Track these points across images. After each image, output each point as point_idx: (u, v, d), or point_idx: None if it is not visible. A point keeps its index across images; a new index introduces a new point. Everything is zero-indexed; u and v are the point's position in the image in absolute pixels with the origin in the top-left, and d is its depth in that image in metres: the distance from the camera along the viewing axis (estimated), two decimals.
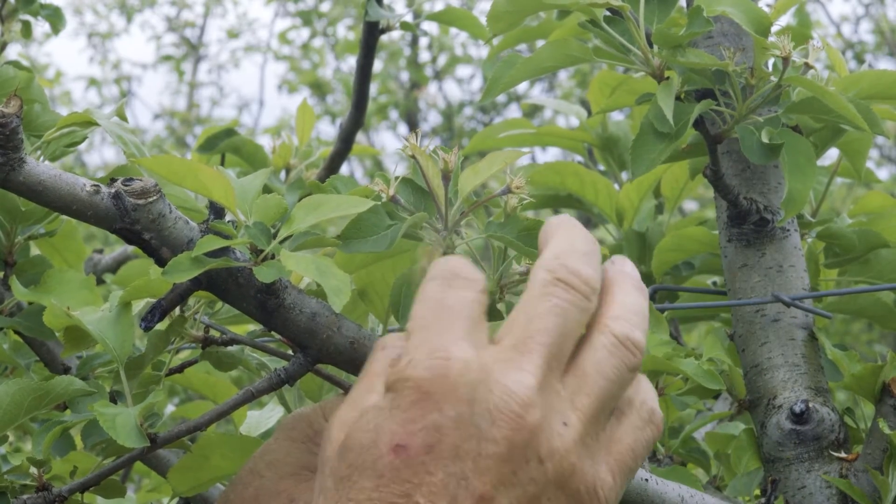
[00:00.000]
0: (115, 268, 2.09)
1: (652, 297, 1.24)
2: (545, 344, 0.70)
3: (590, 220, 1.70)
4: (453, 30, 5.32)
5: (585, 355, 0.71)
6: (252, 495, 0.82)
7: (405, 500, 0.67)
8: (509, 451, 0.68)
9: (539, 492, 0.68)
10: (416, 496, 0.67)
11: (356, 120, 1.77)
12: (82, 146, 1.05)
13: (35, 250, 1.12)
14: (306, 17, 7.12)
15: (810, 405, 1.09)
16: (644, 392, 0.74)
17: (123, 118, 1.01)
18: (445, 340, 0.69)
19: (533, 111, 5.88)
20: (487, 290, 0.72)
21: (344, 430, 0.70)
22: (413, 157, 0.81)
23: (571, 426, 0.69)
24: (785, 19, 1.09)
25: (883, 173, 6.36)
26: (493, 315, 0.85)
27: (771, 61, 1.06)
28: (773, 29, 1.05)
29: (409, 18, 1.65)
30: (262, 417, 1.14)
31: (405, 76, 6.98)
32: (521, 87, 7.19)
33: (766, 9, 1.05)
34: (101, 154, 9.96)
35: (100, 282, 1.98)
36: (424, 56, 7.06)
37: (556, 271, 0.72)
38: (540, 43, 1.12)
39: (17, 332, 1.07)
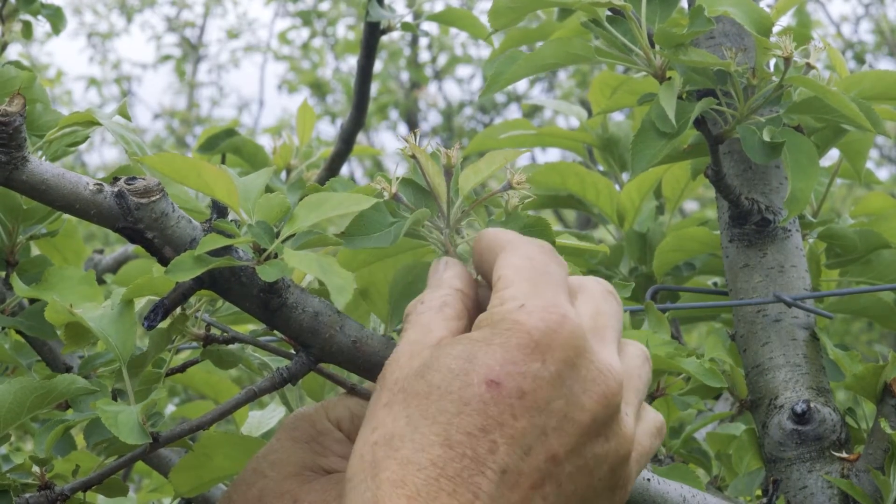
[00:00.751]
0: (115, 268, 2.09)
1: (653, 298, 1.24)
2: (615, 340, 0.74)
3: (590, 221, 1.70)
4: (453, 30, 5.32)
5: (625, 360, 0.75)
6: (256, 496, 0.82)
7: (483, 435, 0.68)
8: (592, 421, 0.70)
9: (595, 466, 0.71)
10: (495, 434, 0.68)
11: (357, 120, 1.77)
12: (83, 146, 1.05)
13: (36, 250, 1.12)
14: (306, 17, 7.13)
15: (812, 405, 1.09)
16: (652, 408, 0.78)
17: (126, 117, 1.01)
18: (560, 299, 0.71)
19: (533, 111, 5.88)
20: None
21: (424, 352, 0.71)
22: (413, 156, 0.81)
23: (630, 416, 0.73)
24: (785, 20, 1.09)
25: (883, 173, 6.36)
26: None
27: (772, 61, 1.06)
28: (775, 29, 1.05)
29: (409, 19, 1.65)
30: (264, 418, 1.15)
31: (405, 76, 6.98)
32: (521, 87, 7.19)
33: (766, 9, 1.05)
34: (101, 154, 9.96)
35: (100, 282, 1.98)
36: (424, 56, 7.07)
37: (604, 284, 0.76)
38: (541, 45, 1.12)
39: (18, 332, 1.07)
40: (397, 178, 0.82)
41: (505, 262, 0.73)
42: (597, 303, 0.75)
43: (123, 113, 1.02)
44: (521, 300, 0.71)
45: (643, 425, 0.75)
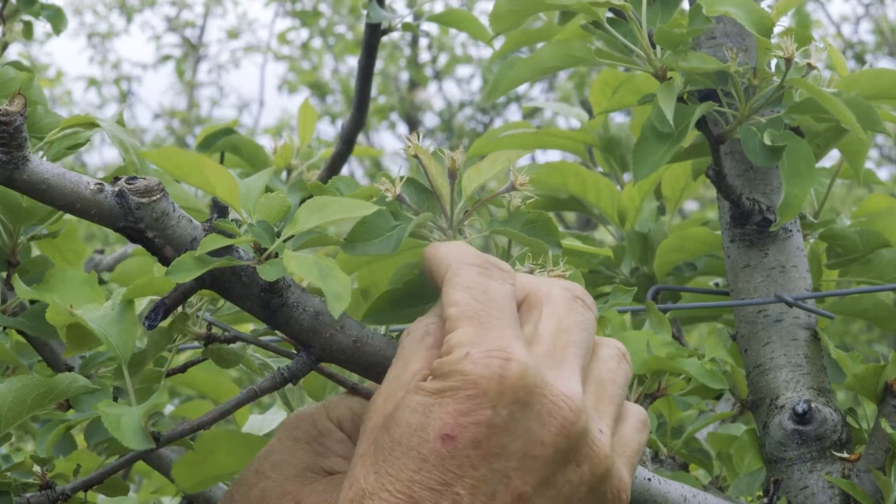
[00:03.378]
0: (115, 268, 2.08)
1: (654, 298, 1.24)
2: (579, 355, 0.73)
3: (590, 221, 1.70)
4: (453, 30, 5.32)
5: (598, 366, 0.75)
6: (258, 497, 0.82)
7: (445, 489, 0.68)
8: (555, 453, 0.70)
9: (571, 493, 0.71)
10: (457, 487, 0.69)
11: (357, 120, 1.77)
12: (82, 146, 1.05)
13: (37, 251, 1.12)
14: (304, 19, 7.12)
15: (813, 405, 1.09)
16: (632, 403, 0.78)
17: (122, 125, 1.01)
18: (504, 339, 0.71)
19: (533, 112, 5.88)
20: None
21: (391, 402, 0.72)
22: (416, 156, 0.81)
23: (605, 432, 0.73)
24: (785, 20, 1.09)
25: (883, 173, 6.37)
26: None
27: (773, 62, 1.06)
28: (776, 29, 1.05)
29: (409, 19, 1.65)
30: (265, 421, 1.14)
31: (405, 76, 6.98)
32: (521, 87, 7.19)
33: (767, 9, 1.05)
34: (101, 154, 9.96)
35: (100, 282, 1.98)
36: (424, 56, 7.07)
37: (573, 290, 0.76)
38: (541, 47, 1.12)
39: (19, 332, 1.07)
40: (401, 179, 0.82)
41: (448, 299, 0.73)
42: (559, 317, 0.74)
43: (120, 123, 1.02)
44: (466, 347, 0.71)
45: (626, 425, 0.75)
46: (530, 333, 0.73)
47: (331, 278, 0.76)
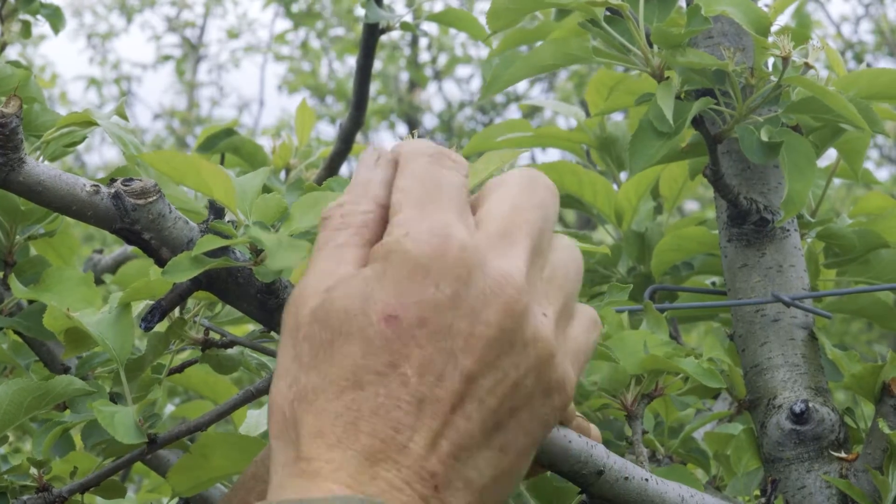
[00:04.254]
0: (114, 268, 2.09)
1: (651, 297, 1.24)
2: (532, 236, 0.72)
3: (590, 221, 1.70)
4: (453, 30, 5.32)
5: (552, 255, 0.74)
6: (256, 501, 0.82)
7: (391, 370, 0.67)
8: (499, 333, 0.69)
9: (519, 378, 0.70)
10: (404, 367, 0.67)
11: (356, 120, 1.77)
12: (81, 146, 1.05)
13: (34, 250, 1.12)
14: (300, 21, 7.13)
15: (810, 405, 1.09)
16: (583, 304, 0.77)
17: (123, 117, 1.01)
18: (446, 219, 0.70)
19: (532, 112, 5.88)
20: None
21: (318, 296, 0.70)
22: None
23: (549, 317, 0.71)
24: (784, 19, 1.09)
25: (883, 173, 6.36)
26: None
27: (771, 61, 1.06)
28: (773, 29, 1.05)
29: (408, 19, 1.65)
30: (262, 417, 1.15)
31: (405, 76, 6.98)
32: (521, 87, 7.19)
33: (764, 9, 1.05)
34: (100, 154, 9.96)
35: (99, 282, 1.98)
36: (424, 56, 7.07)
37: (531, 174, 0.75)
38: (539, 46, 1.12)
39: (16, 332, 1.07)
40: None
41: (396, 185, 0.72)
42: (512, 199, 0.73)
43: (121, 113, 1.02)
44: (405, 227, 0.69)
45: (575, 323, 0.74)
46: (482, 216, 0.72)
47: None
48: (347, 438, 0.66)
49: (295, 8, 7.15)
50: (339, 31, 7.03)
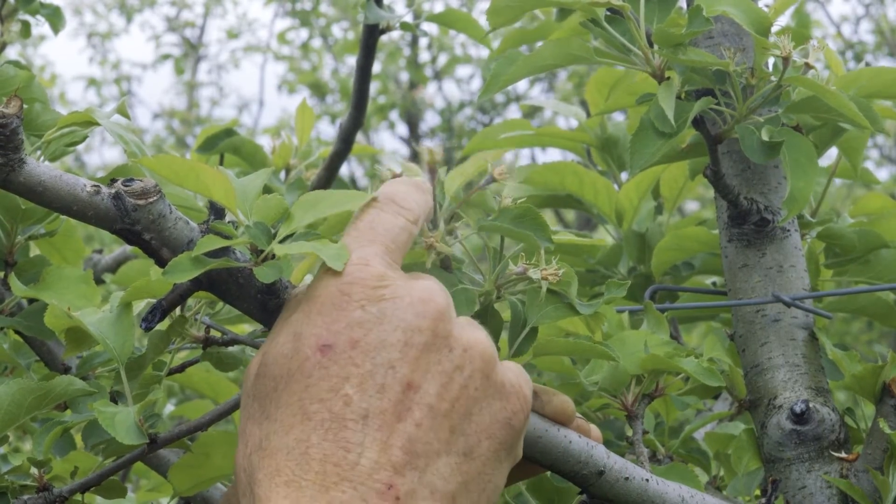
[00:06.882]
0: (114, 268, 2.09)
1: (652, 297, 1.24)
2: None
3: (590, 221, 1.70)
4: (453, 30, 5.32)
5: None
6: None
7: (334, 394, 0.69)
8: (432, 339, 0.71)
9: (466, 381, 0.71)
10: (345, 388, 0.69)
11: (356, 120, 1.77)
12: (81, 147, 1.05)
13: (35, 250, 1.12)
14: (304, 18, 7.12)
15: (811, 405, 1.09)
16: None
17: (126, 116, 1.01)
18: (369, 252, 0.73)
19: (532, 112, 5.88)
20: (418, 223, 0.77)
21: (257, 360, 0.73)
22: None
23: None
24: (784, 20, 1.09)
25: (883, 173, 6.35)
26: (491, 315, 0.86)
27: (771, 61, 1.06)
28: (773, 29, 1.05)
29: (408, 19, 1.65)
30: None
31: (405, 76, 6.98)
32: (521, 87, 7.19)
33: (765, 9, 1.05)
34: (100, 155, 9.96)
35: (99, 282, 1.98)
36: (424, 56, 7.06)
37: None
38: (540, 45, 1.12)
39: (17, 332, 1.07)
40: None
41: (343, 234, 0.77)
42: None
43: (122, 112, 1.02)
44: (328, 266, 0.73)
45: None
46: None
47: (325, 246, 0.76)
48: (300, 469, 0.67)
49: (298, 6, 7.15)
50: (343, 24, 7.03)
